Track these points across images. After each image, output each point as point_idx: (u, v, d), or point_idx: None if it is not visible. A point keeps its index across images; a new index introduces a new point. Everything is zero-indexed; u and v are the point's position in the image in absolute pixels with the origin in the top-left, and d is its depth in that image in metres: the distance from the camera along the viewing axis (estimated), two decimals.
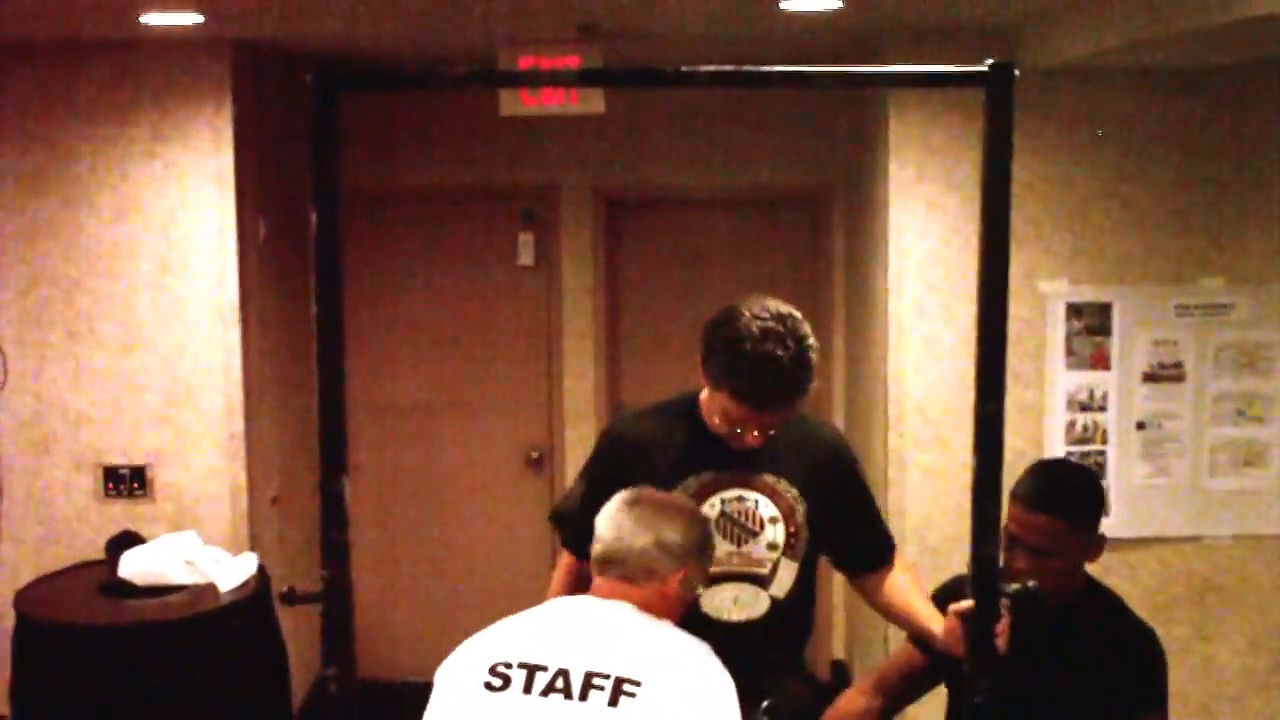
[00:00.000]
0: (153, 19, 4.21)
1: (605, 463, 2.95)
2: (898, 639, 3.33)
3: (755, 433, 2.74)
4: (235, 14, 4.25)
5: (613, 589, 2.51)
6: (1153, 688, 2.91)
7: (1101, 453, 4.73)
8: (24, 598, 4.34)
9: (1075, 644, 2.88)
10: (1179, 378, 4.73)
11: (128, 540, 4.60)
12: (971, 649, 2.41)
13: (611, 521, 2.55)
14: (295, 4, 4.12)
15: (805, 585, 2.88)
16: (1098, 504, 2.92)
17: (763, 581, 2.82)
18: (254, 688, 4.22)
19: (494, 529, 6.11)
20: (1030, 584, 2.50)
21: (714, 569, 2.76)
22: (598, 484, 2.89)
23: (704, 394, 2.86)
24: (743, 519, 2.81)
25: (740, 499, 2.81)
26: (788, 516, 2.82)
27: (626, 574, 2.50)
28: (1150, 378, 4.73)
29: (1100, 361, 4.72)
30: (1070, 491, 2.88)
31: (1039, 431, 4.72)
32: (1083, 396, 4.72)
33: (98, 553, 4.67)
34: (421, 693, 2.52)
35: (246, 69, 4.80)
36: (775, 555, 2.81)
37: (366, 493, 5.94)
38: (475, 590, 6.06)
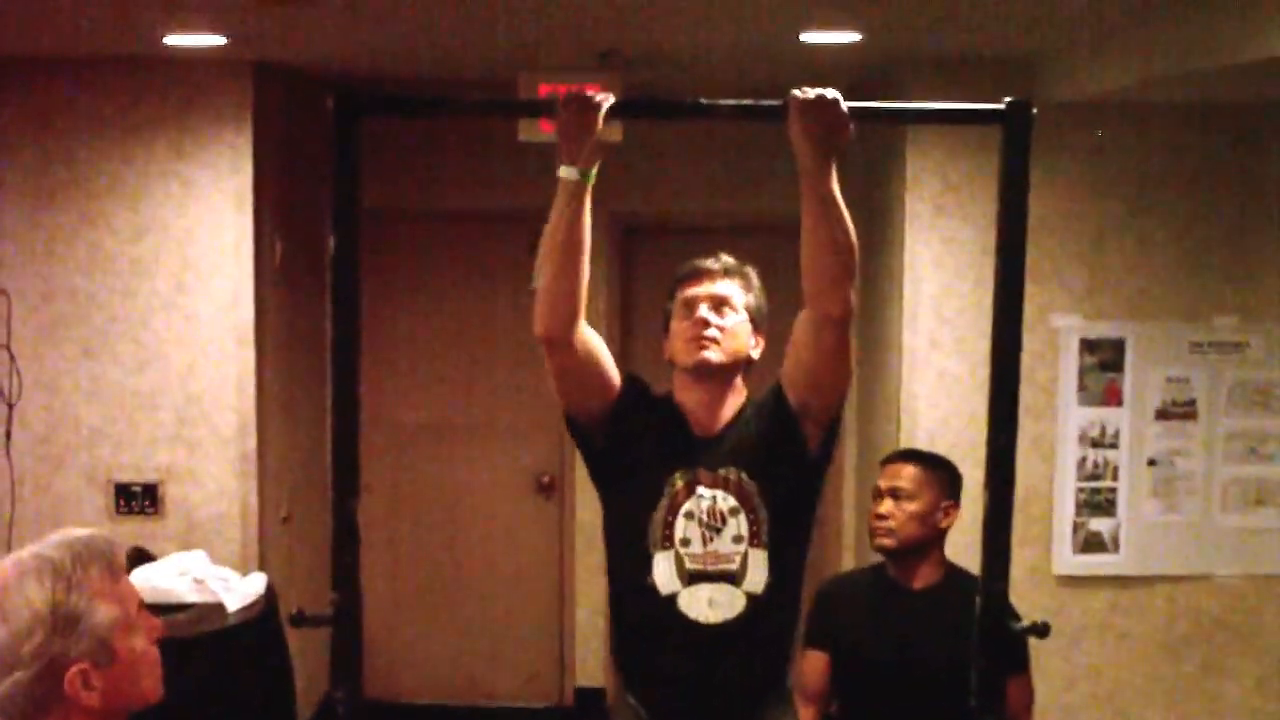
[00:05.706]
0: (176, 40, 4.24)
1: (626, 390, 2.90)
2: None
3: (706, 313, 2.93)
4: (257, 37, 4.28)
5: None
6: (1016, 654, 3.39)
7: (1112, 489, 4.72)
8: None
9: (943, 621, 3.29)
10: (1191, 415, 4.72)
11: (137, 557, 4.60)
12: (979, 686, 2.41)
13: None
14: (317, 28, 4.15)
15: (781, 580, 2.80)
16: (950, 466, 3.51)
17: (734, 578, 2.76)
18: (260, 707, 4.21)
19: (504, 552, 6.11)
20: (1040, 621, 2.50)
21: (691, 567, 2.74)
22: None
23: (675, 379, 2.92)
24: (707, 517, 2.78)
25: (700, 497, 2.78)
26: (746, 505, 2.78)
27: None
28: (1162, 415, 4.72)
29: (1113, 397, 4.71)
30: (925, 452, 3.65)
31: (1049, 466, 4.71)
32: (1094, 432, 4.71)
33: None
34: (427, 715, 2.52)
35: (267, 90, 4.83)
36: (742, 548, 2.77)
37: (377, 514, 5.93)
38: (484, 613, 6.04)
